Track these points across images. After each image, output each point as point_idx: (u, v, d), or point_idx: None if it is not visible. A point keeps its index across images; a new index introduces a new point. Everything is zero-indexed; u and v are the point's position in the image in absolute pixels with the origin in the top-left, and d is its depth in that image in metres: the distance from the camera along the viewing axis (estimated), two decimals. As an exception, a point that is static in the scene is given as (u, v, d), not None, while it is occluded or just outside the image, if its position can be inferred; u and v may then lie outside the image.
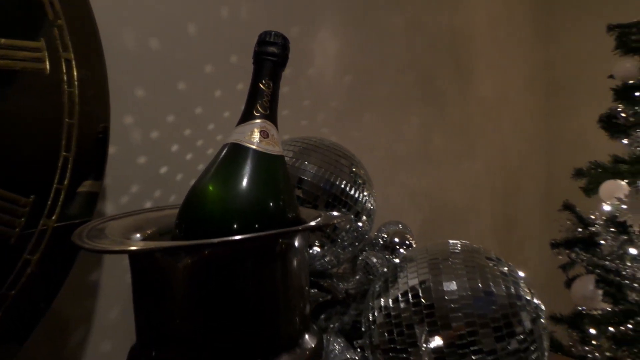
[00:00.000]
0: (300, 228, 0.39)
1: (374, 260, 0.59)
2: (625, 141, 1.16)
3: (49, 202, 0.50)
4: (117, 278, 0.63)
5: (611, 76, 1.20)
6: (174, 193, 0.69)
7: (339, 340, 0.60)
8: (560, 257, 1.30)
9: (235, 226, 0.38)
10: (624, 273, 1.07)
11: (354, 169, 0.66)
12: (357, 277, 0.61)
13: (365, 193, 0.64)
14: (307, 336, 0.40)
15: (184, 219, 0.40)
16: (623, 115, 1.15)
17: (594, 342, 1.14)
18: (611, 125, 1.17)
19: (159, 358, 0.37)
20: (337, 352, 0.57)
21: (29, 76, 0.50)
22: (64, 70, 0.52)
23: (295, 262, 0.39)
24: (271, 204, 0.40)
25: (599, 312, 1.11)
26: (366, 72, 1.09)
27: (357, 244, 0.67)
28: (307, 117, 0.94)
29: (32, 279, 0.49)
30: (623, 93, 1.15)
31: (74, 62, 0.53)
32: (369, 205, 0.65)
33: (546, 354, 0.51)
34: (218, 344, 0.36)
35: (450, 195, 1.43)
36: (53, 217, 0.51)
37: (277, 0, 0.86)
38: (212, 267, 0.36)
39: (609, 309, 1.09)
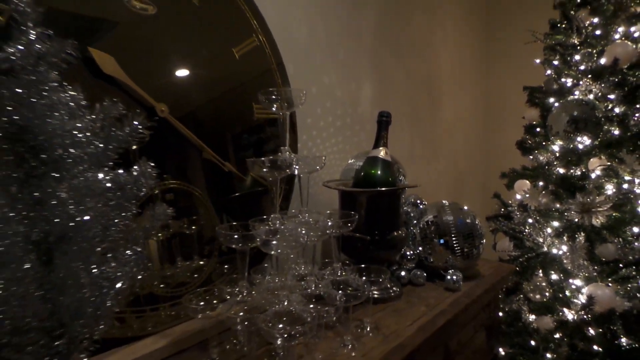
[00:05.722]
0: (407, 185, 1.07)
1: (408, 209, 1.28)
2: (530, 157, 1.93)
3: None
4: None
5: (523, 117, 1.96)
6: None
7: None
8: (490, 228, 2.07)
9: (379, 186, 1.05)
10: (524, 233, 1.84)
11: (397, 167, 1.33)
12: (401, 217, 1.29)
13: (404, 178, 1.32)
14: (404, 227, 1.08)
15: (359, 183, 1.06)
16: (529, 142, 1.91)
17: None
18: (523, 147, 1.94)
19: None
20: (392, 250, 1.25)
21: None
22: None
23: (401, 200, 1.07)
24: (391, 178, 1.07)
25: (512, 256, 1.87)
26: (385, 106, 1.77)
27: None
28: (357, 138, 1.61)
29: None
30: (529, 129, 1.92)
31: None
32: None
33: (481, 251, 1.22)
34: (377, 228, 1.03)
35: (423, 187, 2.15)
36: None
37: (344, 68, 1.52)
38: (375, 199, 1.02)
39: (516, 254, 1.85)
